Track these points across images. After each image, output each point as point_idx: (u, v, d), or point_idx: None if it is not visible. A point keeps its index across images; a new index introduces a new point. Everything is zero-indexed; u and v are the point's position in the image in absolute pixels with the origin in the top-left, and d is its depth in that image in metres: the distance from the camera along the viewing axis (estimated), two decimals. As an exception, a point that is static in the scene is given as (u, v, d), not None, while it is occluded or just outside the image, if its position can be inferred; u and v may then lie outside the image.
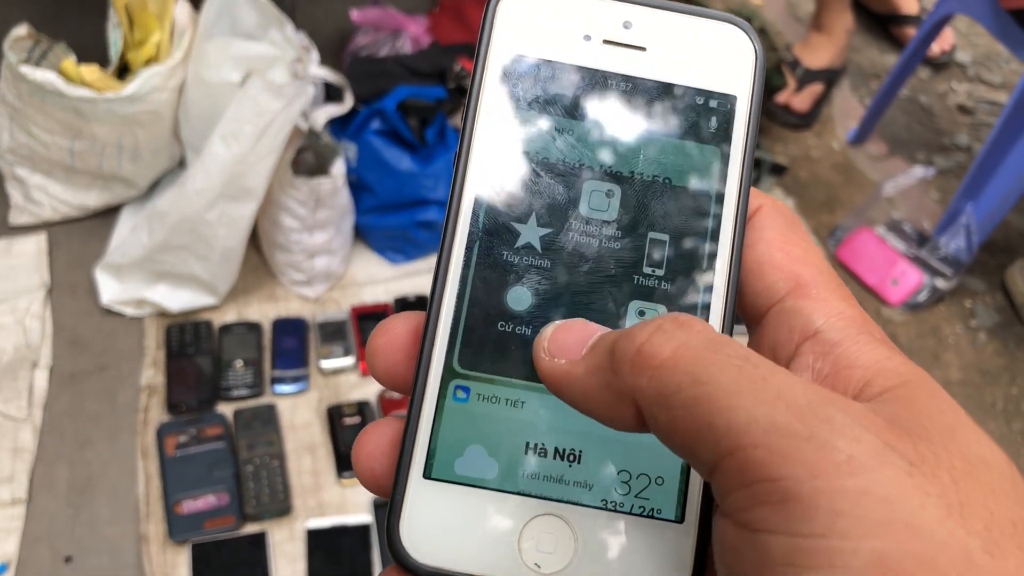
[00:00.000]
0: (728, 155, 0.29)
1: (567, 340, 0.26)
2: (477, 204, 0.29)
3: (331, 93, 1.48)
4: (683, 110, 0.30)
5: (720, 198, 0.29)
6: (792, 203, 1.77)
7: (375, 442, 0.28)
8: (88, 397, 1.33)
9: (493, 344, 0.28)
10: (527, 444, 0.27)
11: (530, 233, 0.29)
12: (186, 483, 1.23)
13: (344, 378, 1.38)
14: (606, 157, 0.29)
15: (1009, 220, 1.81)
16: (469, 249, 0.29)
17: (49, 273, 1.45)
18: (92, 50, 1.42)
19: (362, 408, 1.32)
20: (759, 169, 1.74)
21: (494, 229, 0.29)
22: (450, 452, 0.27)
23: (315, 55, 1.42)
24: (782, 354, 0.27)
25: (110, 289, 1.41)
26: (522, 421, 0.28)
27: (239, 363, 1.36)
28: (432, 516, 0.27)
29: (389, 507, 0.27)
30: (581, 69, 0.30)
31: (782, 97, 1.92)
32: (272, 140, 1.25)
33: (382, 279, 1.51)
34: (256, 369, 1.36)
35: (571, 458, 0.27)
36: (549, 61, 0.30)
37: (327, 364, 1.37)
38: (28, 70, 1.30)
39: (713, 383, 0.22)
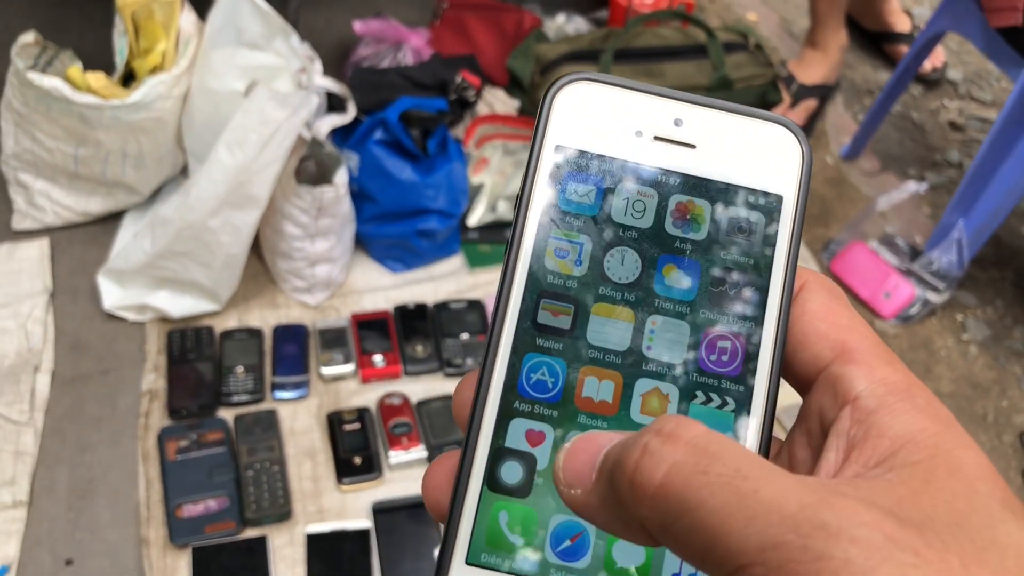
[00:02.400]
0: (773, 252, 0.30)
1: (576, 467, 0.25)
2: (527, 290, 0.30)
3: (333, 103, 1.50)
4: (730, 207, 0.30)
5: (764, 290, 0.30)
6: (787, 216, 1.79)
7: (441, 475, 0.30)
8: (89, 401, 1.34)
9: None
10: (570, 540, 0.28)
11: (579, 321, 0.30)
12: (187, 487, 1.24)
13: (344, 385, 1.39)
14: (654, 248, 0.30)
15: (999, 235, 1.84)
16: (515, 346, 0.30)
17: (51, 278, 1.46)
18: (98, 58, 1.43)
19: (362, 415, 1.33)
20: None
21: (540, 315, 0.30)
22: (493, 541, 0.28)
23: (318, 65, 1.44)
24: (827, 419, 0.27)
25: (112, 294, 1.42)
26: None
27: (240, 369, 1.37)
28: None
29: None
30: (632, 163, 0.31)
31: (777, 112, 1.95)
32: (276, 149, 1.27)
33: (382, 287, 1.52)
34: (257, 375, 1.37)
35: (611, 552, 0.28)
36: (601, 155, 0.31)
37: (327, 371, 1.38)
38: (35, 76, 1.32)
39: (705, 507, 0.22)
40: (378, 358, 1.40)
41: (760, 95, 1.73)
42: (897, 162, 2.01)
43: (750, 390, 0.29)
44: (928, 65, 2.17)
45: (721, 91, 1.68)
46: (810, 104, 1.98)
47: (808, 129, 1.99)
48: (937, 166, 2.01)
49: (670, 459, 0.23)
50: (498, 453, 0.29)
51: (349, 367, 1.39)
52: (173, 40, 1.39)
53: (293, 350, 1.41)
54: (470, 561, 0.28)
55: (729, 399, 0.29)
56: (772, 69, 1.75)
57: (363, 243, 1.54)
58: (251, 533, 1.22)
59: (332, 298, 1.50)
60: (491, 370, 0.29)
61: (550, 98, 0.31)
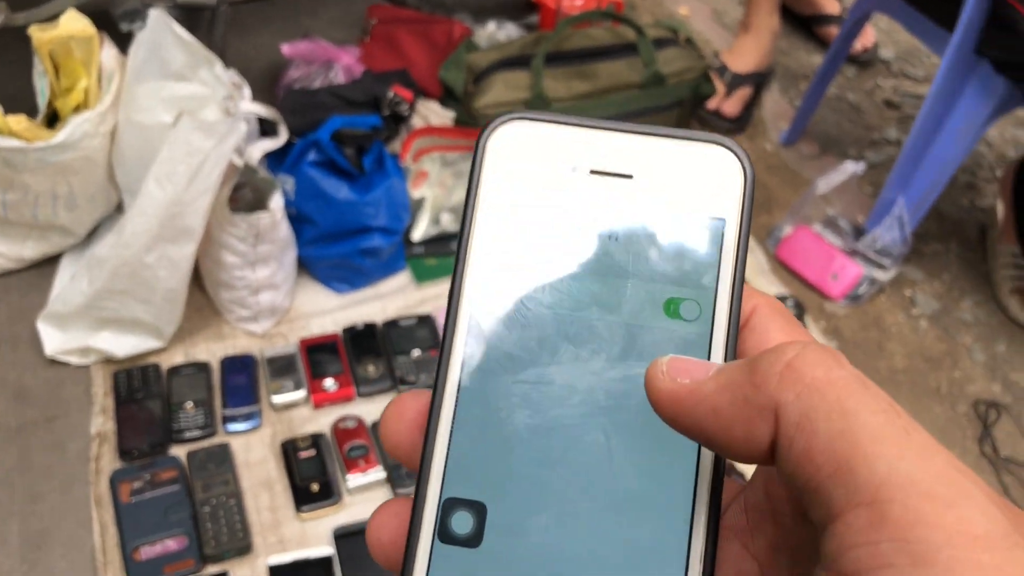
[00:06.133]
0: (718, 278, 0.29)
1: (689, 364, 0.25)
2: (469, 335, 0.29)
3: (266, 128, 1.49)
4: (672, 235, 0.29)
5: (710, 321, 0.29)
6: (730, 206, 1.80)
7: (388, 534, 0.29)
8: (37, 450, 1.31)
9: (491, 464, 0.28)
10: None
11: (519, 363, 0.29)
12: (143, 529, 1.22)
13: (296, 412, 1.37)
14: (595, 286, 0.29)
15: (940, 208, 1.86)
16: (461, 383, 0.29)
17: (-10, 328, 1.43)
18: (19, 100, 1.40)
19: (316, 441, 1.32)
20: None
21: (485, 363, 0.29)
22: None
23: (247, 91, 1.42)
24: None
25: (53, 339, 1.39)
26: (524, 561, 0.27)
27: (189, 404, 1.35)
28: None
29: None
30: (568, 200, 0.30)
31: (712, 103, 1.96)
32: (207, 179, 1.25)
33: (329, 309, 1.51)
34: (207, 409, 1.35)
35: None
36: (537, 193, 0.30)
37: (278, 399, 1.36)
38: (-46, 124, 1.29)
39: (860, 420, 0.21)
40: (329, 382, 1.39)
41: (693, 88, 1.73)
42: (836, 144, 2.03)
43: None
44: (859, 45, 2.20)
45: (654, 87, 1.68)
46: (745, 92, 1.99)
47: (745, 117, 2.01)
48: (876, 145, 2.03)
49: (832, 364, 0.23)
50: (449, 504, 0.28)
51: (300, 394, 1.37)
52: (95, 77, 1.37)
53: (242, 381, 1.39)
54: None
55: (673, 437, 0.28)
56: (704, 61, 1.76)
57: (307, 266, 1.53)
58: (212, 570, 1.20)
59: (279, 325, 1.48)
60: (440, 407, 0.29)
61: (483, 140, 0.30)
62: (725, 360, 0.28)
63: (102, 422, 1.34)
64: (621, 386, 0.28)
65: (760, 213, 1.82)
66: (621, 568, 0.27)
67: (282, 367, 1.40)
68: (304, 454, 1.31)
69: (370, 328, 1.47)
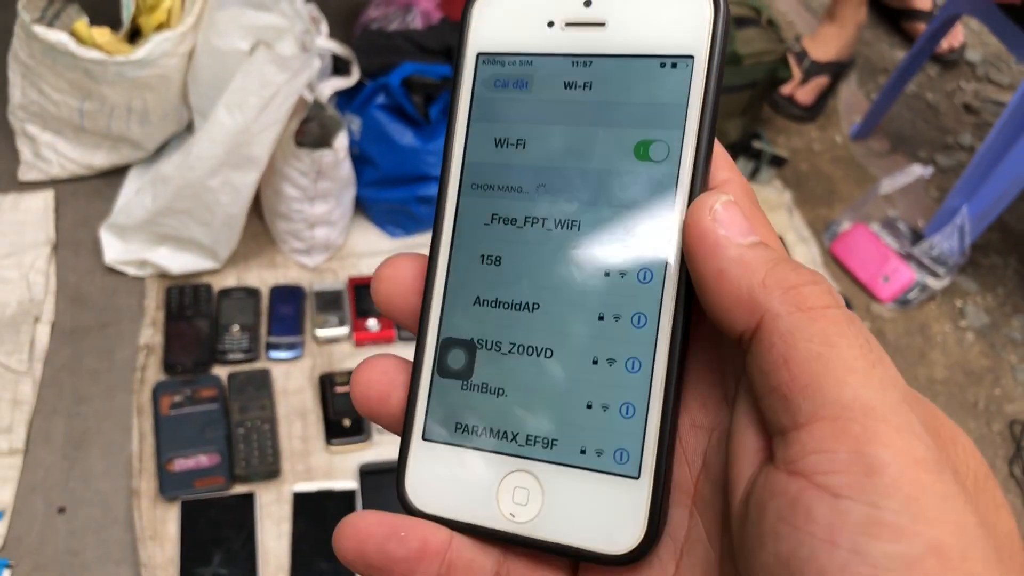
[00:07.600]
0: (686, 117, 0.30)
1: (736, 219, 0.27)
2: (461, 191, 0.33)
3: (339, 65, 1.50)
4: (643, 79, 0.30)
5: (678, 160, 0.30)
6: (790, 195, 1.79)
7: (377, 380, 0.33)
8: (88, 353, 1.36)
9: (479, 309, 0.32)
10: (507, 412, 0.31)
11: (504, 211, 0.32)
12: (179, 442, 1.26)
13: (338, 347, 1.41)
14: (573, 136, 0.31)
15: (1007, 221, 1.82)
16: (455, 237, 0.33)
17: (55, 230, 1.48)
18: (105, 13, 1.44)
19: (354, 377, 1.35)
20: (759, 160, 1.75)
21: (474, 215, 0.32)
22: (443, 418, 0.32)
23: (324, 27, 1.44)
24: None
25: (114, 248, 1.44)
26: (508, 388, 0.31)
27: (236, 327, 1.39)
28: (429, 471, 0.32)
29: (398, 460, 0.32)
30: (546, 55, 0.32)
31: (787, 89, 1.93)
32: (276, 111, 1.27)
33: (381, 251, 1.54)
34: (252, 334, 1.39)
35: (545, 422, 0.31)
36: (518, 52, 0.32)
37: (322, 333, 1.40)
38: (41, 30, 1.32)
39: (838, 351, 0.24)
40: (372, 322, 1.42)
41: (770, 71, 1.71)
42: (907, 143, 1.99)
43: (663, 263, 0.30)
44: (946, 45, 2.14)
45: (729, 66, 1.66)
46: (821, 81, 1.96)
47: (818, 107, 1.98)
48: (948, 149, 1.99)
49: (831, 301, 0.26)
50: (445, 343, 0.32)
51: (343, 330, 1.41)
52: (179, -3, 1.40)
53: (289, 311, 1.42)
54: (426, 437, 0.32)
55: (642, 272, 0.30)
56: (783, 45, 1.73)
57: (363, 207, 1.55)
58: (240, 489, 1.24)
59: (330, 260, 1.51)
60: (436, 259, 0.33)
61: (470, 7, 0.33)
62: (690, 198, 0.29)
63: (151, 334, 1.38)
64: (595, 229, 0.31)
65: (820, 205, 1.80)
66: (595, 389, 0.30)
67: (329, 302, 1.44)
68: (340, 389, 1.34)
69: (418, 274, 1.49)
